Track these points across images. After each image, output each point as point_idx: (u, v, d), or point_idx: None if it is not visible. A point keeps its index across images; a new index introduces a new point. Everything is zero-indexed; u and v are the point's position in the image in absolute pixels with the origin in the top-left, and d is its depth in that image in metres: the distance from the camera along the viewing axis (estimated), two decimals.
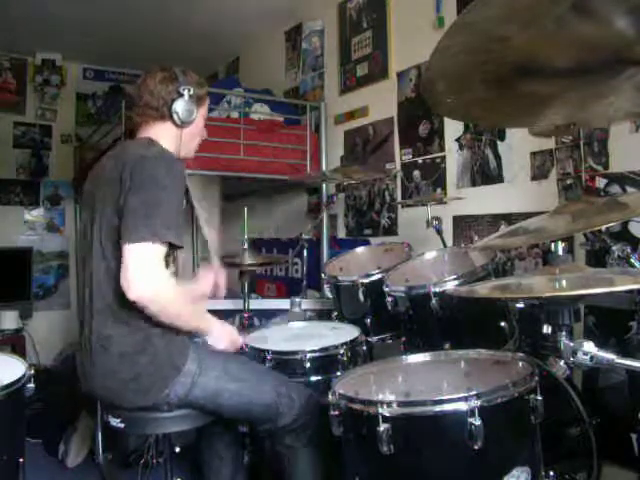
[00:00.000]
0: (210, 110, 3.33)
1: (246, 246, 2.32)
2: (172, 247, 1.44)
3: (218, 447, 1.82)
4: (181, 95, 1.58)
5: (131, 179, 1.41)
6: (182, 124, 1.61)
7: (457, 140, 2.67)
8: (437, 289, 1.69)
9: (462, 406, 1.13)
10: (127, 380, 1.45)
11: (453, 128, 2.67)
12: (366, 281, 2.07)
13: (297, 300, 2.35)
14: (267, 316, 2.80)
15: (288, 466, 1.65)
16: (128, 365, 1.45)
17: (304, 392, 1.65)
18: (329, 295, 2.27)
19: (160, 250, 1.38)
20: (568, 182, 2.19)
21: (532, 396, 1.21)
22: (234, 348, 1.66)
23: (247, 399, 1.55)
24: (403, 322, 1.90)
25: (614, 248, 1.51)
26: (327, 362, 1.79)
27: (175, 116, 1.58)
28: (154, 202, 1.38)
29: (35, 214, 4.71)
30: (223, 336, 1.62)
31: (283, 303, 2.45)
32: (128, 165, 1.44)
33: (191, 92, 1.59)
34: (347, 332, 1.96)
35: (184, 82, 1.60)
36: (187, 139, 1.66)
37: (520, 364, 1.36)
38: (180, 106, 1.58)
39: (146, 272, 1.35)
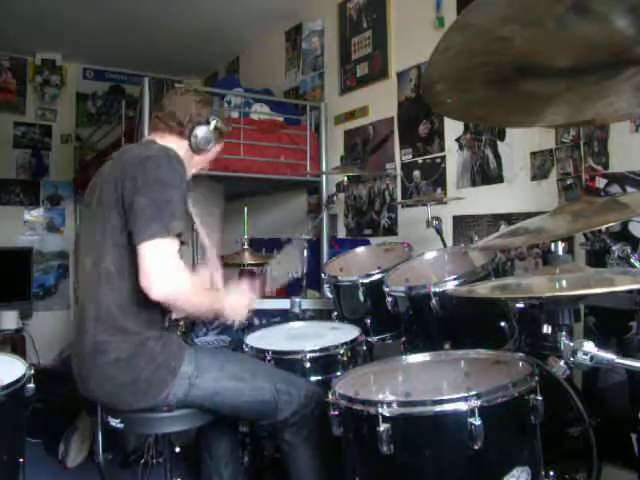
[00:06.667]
0: None
1: (246, 246, 2.32)
2: (181, 243, 1.45)
3: (218, 447, 1.82)
4: (207, 123, 1.61)
5: (134, 180, 1.40)
6: (196, 149, 1.62)
7: (457, 140, 2.67)
8: (437, 289, 1.69)
9: (462, 406, 1.13)
10: (125, 384, 1.45)
11: (453, 128, 2.67)
12: (366, 281, 2.07)
13: (297, 300, 2.35)
14: (267, 316, 2.80)
15: (288, 462, 1.65)
16: (125, 370, 1.44)
17: (304, 386, 1.65)
18: (329, 295, 2.27)
19: (173, 244, 1.38)
20: (568, 182, 2.19)
21: (532, 396, 1.21)
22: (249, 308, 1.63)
23: (246, 397, 1.55)
24: (403, 322, 1.90)
25: (614, 248, 1.51)
26: (327, 362, 1.79)
27: (193, 139, 1.60)
28: (162, 200, 1.39)
29: (35, 214, 4.71)
30: (236, 309, 1.60)
31: (283, 303, 2.45)
32: (129, 166, 1.44)
33: (218, 124, 1.62)
34: (347, 332, 1.96)
35: (216, 112, 1.62)
36: (193, 164, 1.67)
37: (520, 364, 1.36)
38: (201, 132, 1.60)
39: (165, 269, 1.35)
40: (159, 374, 1.46)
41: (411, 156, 2.93)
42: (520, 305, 1.68)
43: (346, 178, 2.62)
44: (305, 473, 1.62)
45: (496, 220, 2.47)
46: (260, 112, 3.39)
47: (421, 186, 2.87)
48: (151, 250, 1.35)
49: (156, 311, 1.49)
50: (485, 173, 2.53)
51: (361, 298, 2.07)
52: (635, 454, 1.70)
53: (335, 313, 2.26)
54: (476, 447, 1.11)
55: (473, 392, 1.16)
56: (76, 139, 4.87)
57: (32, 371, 1.48)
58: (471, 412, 1.12)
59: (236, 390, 1.54)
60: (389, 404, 1.18)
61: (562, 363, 1.05)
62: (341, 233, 3.46)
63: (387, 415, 1.16)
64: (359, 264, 2.40)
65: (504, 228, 2.33)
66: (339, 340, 1.85)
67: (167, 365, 1.47)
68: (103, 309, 1.45)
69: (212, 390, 1.52)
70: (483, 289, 1.38)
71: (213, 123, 1.61)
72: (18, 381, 1.41)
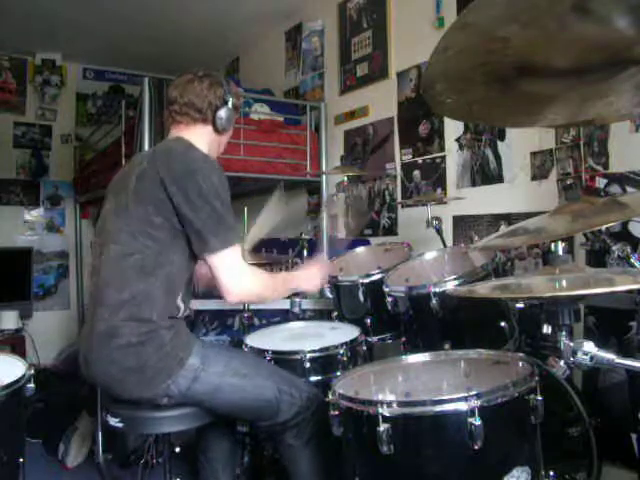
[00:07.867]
0: None
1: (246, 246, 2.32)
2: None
3: (218, 448, 1.82)
4: (226, 102, 1.65)
5: (192, 191, 1.44)
6: (221, 130, 1.66)
7: (457, 140, 2.67)
8: (437, 289, 1.69)
9: (462, 406, 1.13)
10: (131, 370, 1.45)
11: (453, 128, 2.67)
12: (366, 281, 2.07)
13: (297, 300, 2.35)
14: (267, 316, 2.81)
15: (288, 466, 1.65)
16: (133, 355, 1.45)
17: (306, 389, 1.64)
18: (329, 295, 2.27)
19: (239, 251, 1.49)
20: (568, 182, 2.19)
21: (532, 396, 1.21)
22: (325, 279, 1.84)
23: (247, 394, 1.55)
24: (403, 322, 1.90)
25: (614, 248, 1.51)
26: (327, 362, 1.79)
27: (218, 122, 1.63)
28: (223, 213, 1.47)
29: (35, 214, 4.71)
30: (312, 282, 1.77)
31: (283, 303, 2.45)
32: (179, 173, 1.46)
33: (234, 101, 1.67)
34: (347, 332, 1.96)
35: (229, 90, 1.66)
36: (220, 145, 1.73)
37: (520, 364, 1.36)
38: (224, 113, 1.64)
39: (237, 275, 1.48)
40: (165, 362, 1.46)
41: (411, 156, 2.93)
42: (520, 305, 1.68)
43: (346, 178, 2.62)
44: (306, 476, 1.62)
45: (496, 220, 2.47)
46: (260, 112, 3.39)
47: (421, 186, 2.87)
48: (219, 262, 1.46)
49: (174, 304, 1.51)
50: (485, 173, 2.53)
51: (361, 298, 2.07)
52: (635, 454, 1.70)
53: (335, 313, 2.26)
54: (476, 447, 1.11)
55: (473, 392, 1.16)
56: (76, 139, 4.86)
57: (32, 371, 1.48)
58: (471, 412, 1.12)
59: (238, 387, 1.54)
60: (389, 404, 1.18)
61: (562, 363, 1.05)
62: (341, 233, 3.46)
63: (387, 415, 1.16)
64: (359, 264, 2.40)
65: (504, 228, 2.33)
66: (339, 340, 1.85)
67: (175, 355, 1.48)
68: (124, 297, 1.45)
69: (214, 385, 1.51)
70: (483, 289, 1.38)
71: (231, 101, 1.66)
72: (18, 381, 1.41)
